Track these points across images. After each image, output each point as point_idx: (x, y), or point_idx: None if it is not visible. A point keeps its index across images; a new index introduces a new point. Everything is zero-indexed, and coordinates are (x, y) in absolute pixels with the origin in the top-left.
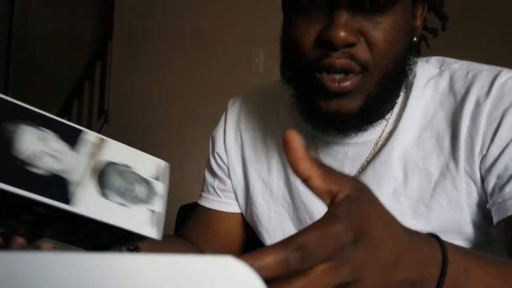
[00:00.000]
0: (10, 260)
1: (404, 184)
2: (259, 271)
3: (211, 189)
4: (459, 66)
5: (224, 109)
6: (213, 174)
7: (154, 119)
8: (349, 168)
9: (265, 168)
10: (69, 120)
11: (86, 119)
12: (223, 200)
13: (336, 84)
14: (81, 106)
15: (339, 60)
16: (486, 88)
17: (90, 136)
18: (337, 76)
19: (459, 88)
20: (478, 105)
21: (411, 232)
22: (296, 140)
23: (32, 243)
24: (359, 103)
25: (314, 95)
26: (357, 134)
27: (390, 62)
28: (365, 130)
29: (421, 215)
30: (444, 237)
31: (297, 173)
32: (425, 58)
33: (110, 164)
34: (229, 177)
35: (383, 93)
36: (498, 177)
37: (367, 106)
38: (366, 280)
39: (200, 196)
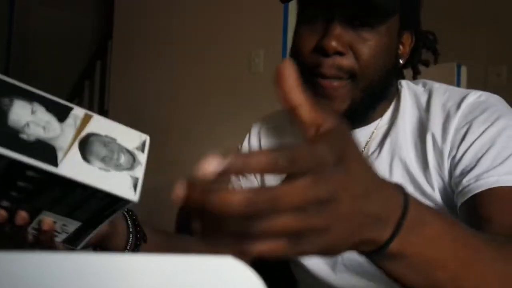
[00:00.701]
0: (10, 260)
1: (390, 178)
2: (250, 164)
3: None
4: (438, 86)
5: (224, 109)
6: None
7: (154, 119)
8: None
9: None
10: None
11: None
12: None
13: (328, 84)
14: (81, 106)
15: (328, 69)
16: (457, 104)
17: (78, 111)
18: (330, 81)
19: (436, 103)
20: (448, 116)
21: (380, 175)
22: (290, 68)
23: (34, 217)
24: (345, 106)
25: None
26: None
27: (374, 73)
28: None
29: None
30: None
31: (289, 100)
32: (415, 81)
33: (95, 135)
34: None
35: (367, 100)
36: (461, 172)
37: (352, 110)
38: (340, 203)
39: None
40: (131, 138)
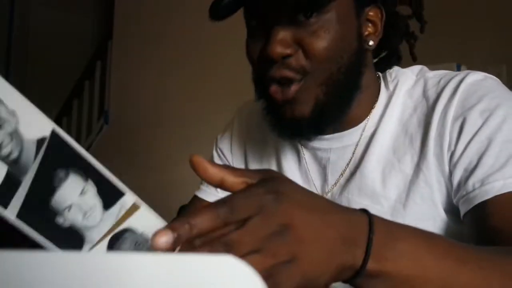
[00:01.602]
0: (10, 260)
1: (383, 186)
2: (196, 226)
3: None
4: (432, 75)
5: (224, 109)
6: None
7: (154, 119)
8: (332, 173)
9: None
10: (69, 120)
11: (86, 119)
12: (218, 194)
13: (280, 94)
14: (81, 106)
15: (277, 71)
16: (453, 90)
17: (128, 198)
18: (281, 88)
19: (431, 93)
20: (446, 106)
21: (333, 202)
22: (198, 158)
23: None
24: (310, 106)
25: (271, 106)
26: (317, 136)
27: (332, 65)
28: (323, 131)
29: (399, 213)
30: None
31: (210, 180)
32: (410, 67)
33: (131, 231)
34: None
35: (332, 95)
36: (463, 171)
37: (319, 109)
38: (295, 229)
39: (199, 188)
40: None
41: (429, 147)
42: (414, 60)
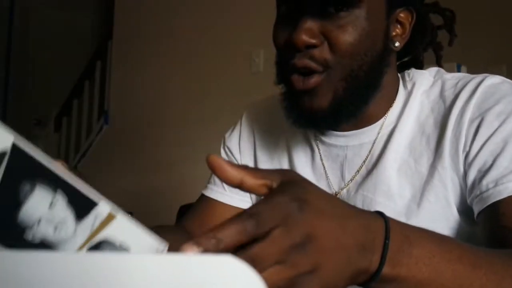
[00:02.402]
0: (10, 260)
1: (398, 185)
2: (223, 241)
3: (217, 180)
4: (450, 77)
5: (225, 109)
6: None
7: (154, 119)
8: (349, 170)
9: (277, 168)
10: (69, 120)
11: (86, 119)
12: (226, 193)
13: (301, 84)
14: (81, 106)
15: (299, 60)
16: (471, 93)
17: (102, 209)
18: (303, 77)
19: (449, 95)
20: (463, 107)
21: (351, 205)
22: (217, 158)
23: None
24: (328, 100)
25: (290, 93)
26: (331, 129)
27: (353, 61)
28: (338, 126)
29: (412, 212)
30: (434, 231)
31: (229, 181)
32: (428, 69)
33: (108, 243)
34: None
35: (351, 92)
36: (478, 171)
37: (337, 103)
38: (317, 240)
39: (206, 187)
40: (147, 247)
41: (444, 147)
42: (437, 61)
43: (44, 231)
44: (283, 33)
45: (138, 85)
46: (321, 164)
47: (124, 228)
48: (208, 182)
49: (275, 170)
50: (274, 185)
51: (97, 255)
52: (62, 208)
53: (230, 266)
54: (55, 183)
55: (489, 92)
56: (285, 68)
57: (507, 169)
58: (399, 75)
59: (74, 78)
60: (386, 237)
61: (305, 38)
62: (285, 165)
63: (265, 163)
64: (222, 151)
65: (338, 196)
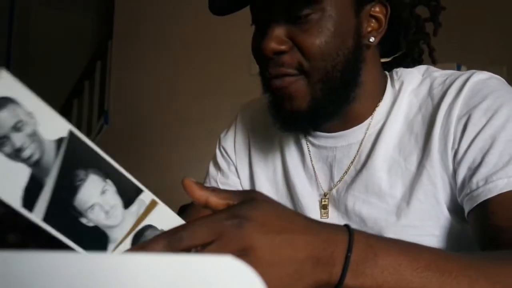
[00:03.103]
0: (10, 260)
1: (389, 185)
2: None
3: (212, 181)
4: (439, 75)
5: (224, 110)
6: (217, 167)
7: (154, 119)
8: (338, 171)
9: (271, 168)
10: (69, 120)
11: (86, 119)
12: None
13: (279, 85)
14: (81, 106)
15: (272, 69)
16: (459, 89)
17: (145, 196)
18: (279, 80)
19: (437, 92)
20: (451, 105)
21: (313, 220)
22: (188, 181)
23: None
24: (306, 102)
25: (274, 99)
26: (314, 130)
27: (326, 63)
28: (320, 126)
29: (403, 211)
30: (424, 229)
31: (197, 201)
32: (416, 67)
33: (152, 228)
34: (237, 175)
35: (329, 92)
36: (467, 169)
37: (316, 104)
38: (257, 254)
39: None
40: None
41: (433, 145)
42: (434, 63)
43: (96, 217)
44: (256, 44)
45: (138, 85)
46: (311, 166)
47: (165, 214)
48: (204, 182)
49: (240, 191)
50: (236, 203)
51: (97, 255)
52: (112, 195)
53: (230, 266)
54: (105, 171)
55: (477, 88)
56: (265, 77)
57: (496, 166)
58: (387, 74)
59: (74, 78)
60: (349, 250)
61: (273, 45)
62: (279, 166)
63: (259, 163)
64: (217, 151)
65: (327, 196)
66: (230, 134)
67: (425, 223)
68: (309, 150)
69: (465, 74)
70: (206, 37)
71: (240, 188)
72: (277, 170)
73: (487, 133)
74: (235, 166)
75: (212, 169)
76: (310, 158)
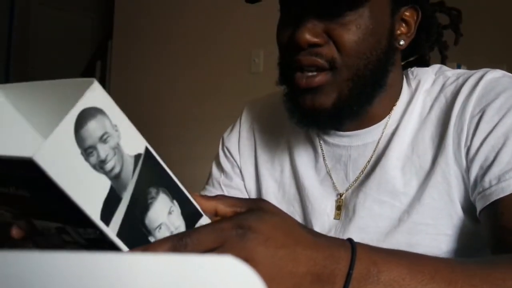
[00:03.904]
0: (10, 260)
1: (403, 183)
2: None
3: (215, 183)
4: (451, 73)
5: (224, 110)
6: (220, 169)
7: (154, 119)
8: (353, 170)
9: (278, 169)
10: None
11: None
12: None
13: (304, 81)
14: None
15: (304, 57)
16: (472, 88)
17: (204, 221)
18: (307, 74)
19: (450, 91)
20: (464, 103)
21: (318, 235)
22: (195, 195)
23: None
24: (332, 99)
25: (293, 92)
26: (333, 129)
27: (359, 60)
28: (341, 125)
29: (416, 210)
30: (436, 228)
31: (208, 212)
32: (431, 66)
33: None
34: (241, 176)
35: (356, 91)
36: (480, 168)
37: (341, 103)
38: (257, 266)
39: (204, 188)
40: None
41: (447, 143)
42: (442, 61)
43: (163, 236)
44: (287, 32)
45: (138, 85)
46: (324, 165)
47: None
48: (206, 183)
49: (248, 199)
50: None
51: (97, 255)
52: (177, 217)
53: (230, 266)
54: (172, 191)
55: (490, 86)
56: (288, 66)
57: (509, 164)
58: (403, 73)
59: (74, 78)
60: (351, 267)
61: (308, 37)
62: (287, 166)
63: (265, 164)
64: (221, 152)
65: (342, 197)
66: (234, 133)
67: (438, 221)
68: (322, 149)
69: (478, 73)
70: (206, 37)
71: (244, 190)
72: (285, 171)
73: (500, 131)
74: (239, 167)
75: (215, 170)
76: (323, 157)
